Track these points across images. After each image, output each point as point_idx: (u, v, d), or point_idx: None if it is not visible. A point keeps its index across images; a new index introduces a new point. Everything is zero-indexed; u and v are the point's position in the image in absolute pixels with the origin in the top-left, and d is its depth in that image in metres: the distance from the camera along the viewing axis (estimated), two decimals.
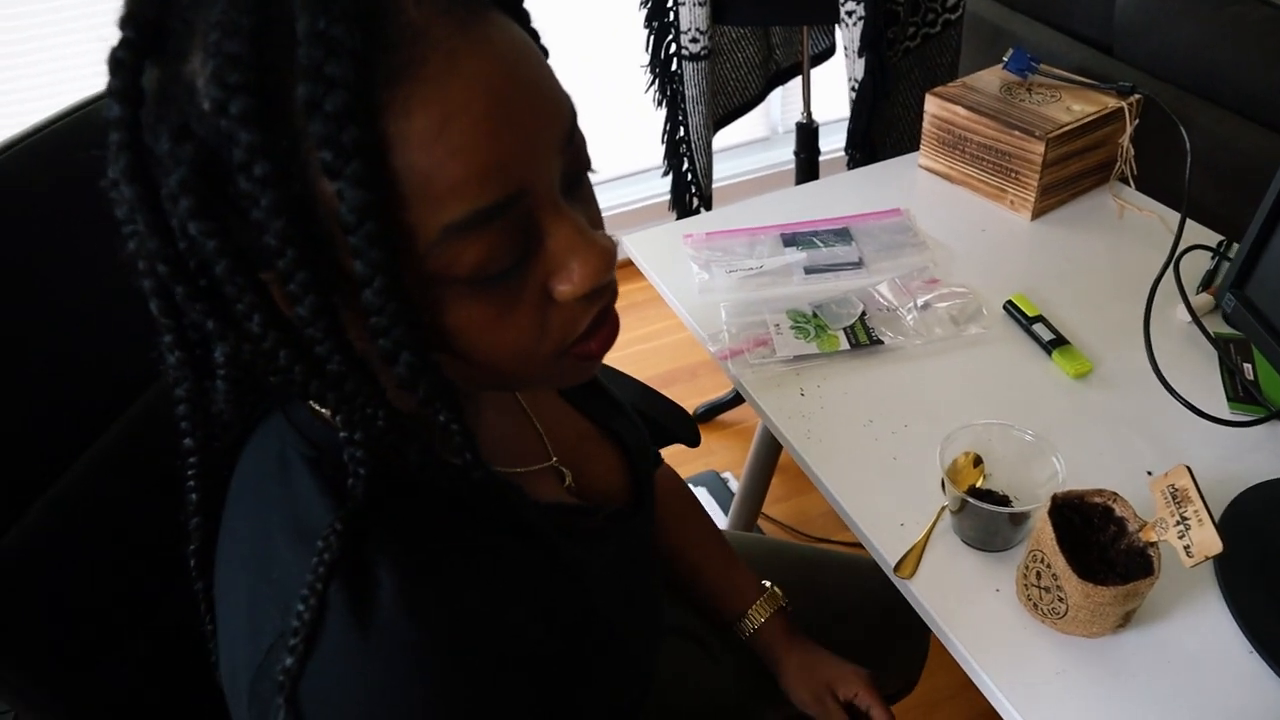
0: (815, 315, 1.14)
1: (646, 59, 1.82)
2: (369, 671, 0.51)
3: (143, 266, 0.48)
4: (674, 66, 1.79)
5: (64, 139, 0.77)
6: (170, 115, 0.44)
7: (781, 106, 2.84)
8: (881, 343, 1.10)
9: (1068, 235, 1.28)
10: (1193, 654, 0.78)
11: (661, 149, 1.91)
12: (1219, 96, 1.62)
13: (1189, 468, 0.74)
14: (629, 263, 1.29)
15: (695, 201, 1.94)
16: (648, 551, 0.80)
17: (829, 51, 2.00)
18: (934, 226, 1.31)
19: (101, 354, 0.77)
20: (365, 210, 0.43)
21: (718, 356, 1.11)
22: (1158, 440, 0.96)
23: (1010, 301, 1.14)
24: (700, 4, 1.67)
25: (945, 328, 1.11)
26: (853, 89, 1.69)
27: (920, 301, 1.14)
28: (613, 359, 0.66)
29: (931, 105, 1.36)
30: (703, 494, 2.05)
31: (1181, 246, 1.08)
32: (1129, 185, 1.36)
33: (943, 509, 0.90)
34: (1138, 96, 1.30)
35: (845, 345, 1.10)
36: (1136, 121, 1.31)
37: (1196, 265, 1.17)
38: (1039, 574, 0.78)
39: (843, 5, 1.60)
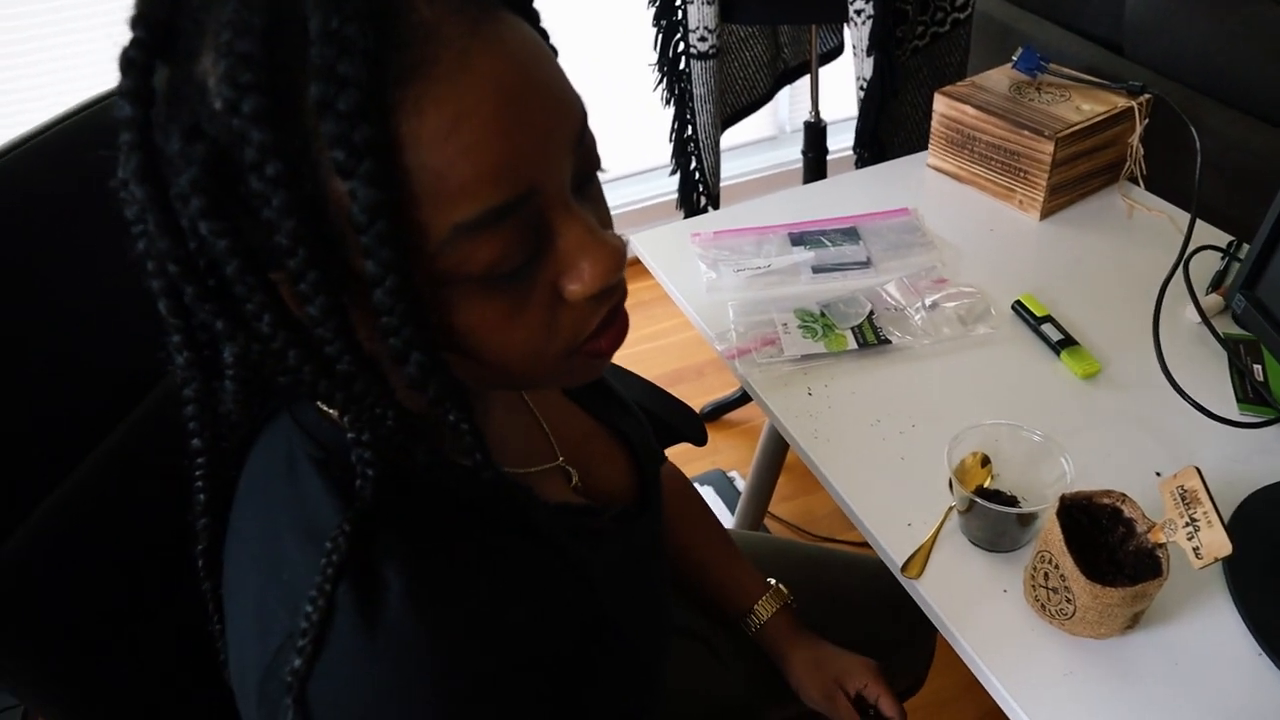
0: (823, 315, 1.14)
1: (654, 57, 1.82)
2: (377, 672, 0.51)
3: (152, 267, 0.48)
4: (682, 65, 1.79)
5: (71, 139, 0.77)
6: (181, 115, 0.44)
7: (789, 105, 2.84)
8: (889, 342, 1.10)
9: (1077, 235, 1.28)
10: (1201, 656, 0.78)
11: (669, 147, 1.91)
12: (1229, 97, 1.61)
13: (1198, 469, 0.73)
14: (636, 261, 1.29)
15: (703, 200, 1.94)
16: (655, 551, 0.80)
17: (837, 50, 1.99)
18: (942, 226, 1.30)
19: (108, 354, 0.77)
20: (377, 209, 0.43)
21: (725, 355, 1.11)
22: (1167, 441, 0.96)
23: (1018, 301, 1.13)
24: (708, 2, 1.67)
25: (953, 327, 1.11)
26: (861, 88, 1.69)
27: (928, 301, 1.14)
28: (620, 357, 0.66)
29: (940, 104, 1.36)
30: (709, 493, 2.05)
31: (1191, 247, 1.08)
32: (1138, 185, 1.35)
33: (950, 509, 0.90)
34: (1148, 96, 1.30)
35: (853, 345, 1.10)
36: (1146, 121, 1.30)
37: (1206, 266, 1.17)
38: (1047, 575, 0.78)
39: (851, 4, 1.60)
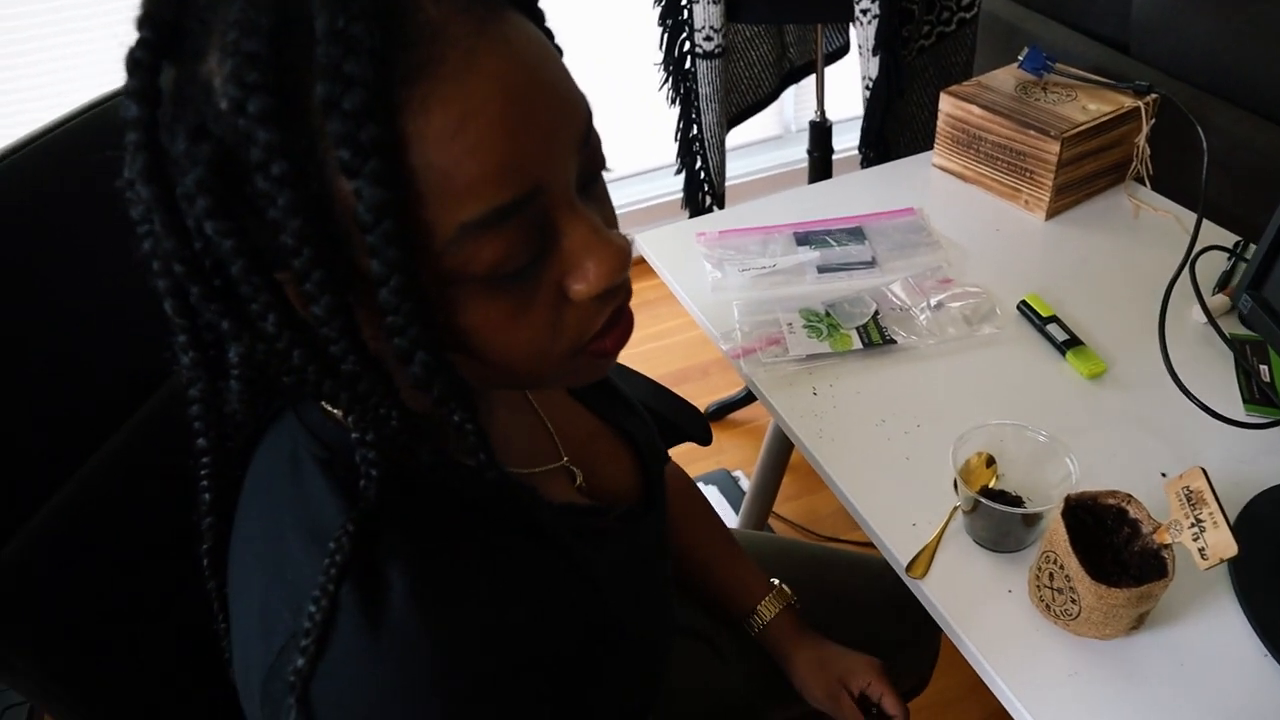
0: (828, 314, 1.14)
1: (660, 57, 1.82)
2: (380, 672, 0.51)
3: (158, 266, 0.48)
4: (687, 64, 1.79)
5: (76, 139, 0.77)
6: (187, 115, 0.44)
7: (795, 105, 2.84)
8: (894, 342, 1.10)
9: (1082, 235, 1.27)
10: (1206, 657, 0.78)
11: (674, 147, 1.91)
12: (1236, 96, 1.61)
13: (1204, 469, 0.73)
14: (641, 261, 1.29)
15: (708, 200, 1.94)
16: (659, 551, 0.80)
17: (843, 50, 1.99)
18: (947, 226, 1.30)
19: (112, 354, 0.77)
20: (383, 208, 0.43)
21: (730, 355, 1.11)
22: (1172, 442, 0.96)
23: (1024, 301, 1.13)
24: (714, 2, 1.67)
25: (958, 327, 1.11)
26: (866, 87, 1.68)
27: (933, 301, 1.14)
28: (624, 357, 0.66)
29: (946, 104, 1.36)
30: (714, 492, 2.05)
31: (1197, 247, 1.08)
32: (1144, 185, 1.35)
33: (955, 509, 0.89)
34: (1154, 96, 1.29)
35: (858, 344, 1.10)
36: (1153, 121, 1.30)
37: (1212, 266, 1.17)
38: (1052, 575, 0.78)
39: (857, 3, 1.59)
